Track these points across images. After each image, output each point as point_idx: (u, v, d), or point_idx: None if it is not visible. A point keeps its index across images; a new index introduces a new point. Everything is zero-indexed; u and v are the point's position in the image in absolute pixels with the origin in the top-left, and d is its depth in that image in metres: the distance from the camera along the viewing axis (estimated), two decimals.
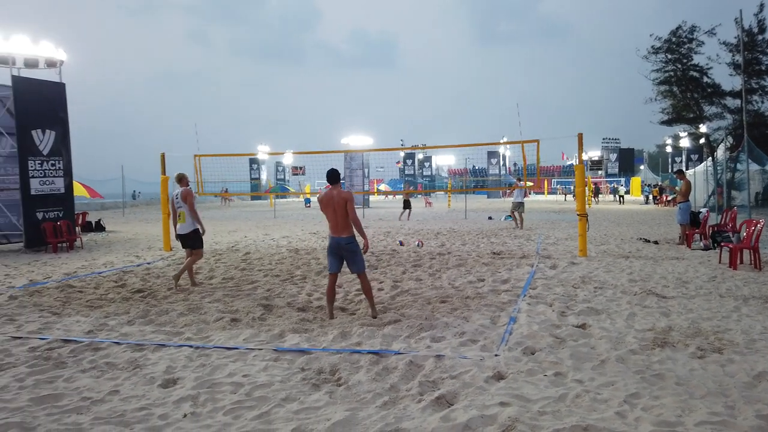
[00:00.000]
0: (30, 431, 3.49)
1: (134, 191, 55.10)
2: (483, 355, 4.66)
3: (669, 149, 64.02)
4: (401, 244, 13.66)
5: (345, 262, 6.37)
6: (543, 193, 64.53)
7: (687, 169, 54.04)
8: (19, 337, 5.66)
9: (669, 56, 32.49)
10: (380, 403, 3.79)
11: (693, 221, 12.84)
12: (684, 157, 55.77)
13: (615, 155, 64.55)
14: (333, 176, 6.39)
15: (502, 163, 59.15)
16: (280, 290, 8.02)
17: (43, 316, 6.67)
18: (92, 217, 21.03)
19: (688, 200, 12.77)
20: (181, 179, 8.68)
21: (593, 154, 62.62)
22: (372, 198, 49.07)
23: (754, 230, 8.97)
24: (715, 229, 12.00)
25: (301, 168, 60.04)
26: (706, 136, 32.77)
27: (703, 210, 13.26)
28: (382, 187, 58.66)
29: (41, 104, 13.45)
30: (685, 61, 32.15)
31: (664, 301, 6.67)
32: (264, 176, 65.27)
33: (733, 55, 30.43)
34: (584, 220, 10.76)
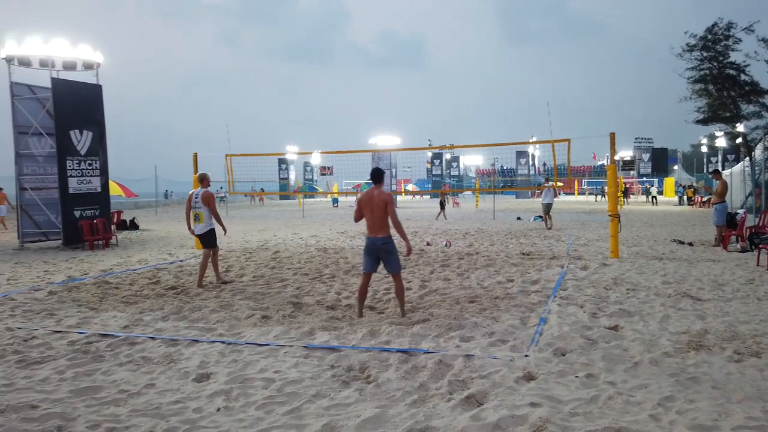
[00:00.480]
0: (70, 422, 3.60)
1: (166, 190, 56.26)
2: (513, 356, 4.64)
3: (704, 149, 62.58)
4: (428, 244, 13.65)
5: (381, 263, 6.31)
6: (573, 194, 63.68)
7: (723, 169, 52.74)
8: (59, 331, 5.84)
9: (704, 54, 31.74)
10: (410, 401, 3.81)
11: (729, 223, 12.53)
12: (720, 157, 54.45)
13: (648, 155, 63.25)
14: (376, 176, 6.29)
15: (531, 163, 58.53)
16: (310, 288, 8.10)
17: (81, 311, 6.86)
18: (126, 216, 21.52)
19: (725, 201, 12.46)
20: (203, 179, 8.67)
21: (625, 153, 61.51)
22: (399, 198, 49.06)
23: None
24: (753, 230, 11.68)
25: (329, 168, 60.46)
26: (744, 135, 31.86)
27: (740, 211, 12.93)
28: (410, 187, 58.64)
29: (79, 105, 13.83)
30: (721, 58, 31.35)
31: (699, 304, 6.53)
32: (293, 176, 65.91)
33: None
34: (616, 220, 10.59)
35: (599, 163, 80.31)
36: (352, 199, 56.74)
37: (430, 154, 61.16)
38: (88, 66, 14.61)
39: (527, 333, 5.35)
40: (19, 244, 13.96)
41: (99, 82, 14.59)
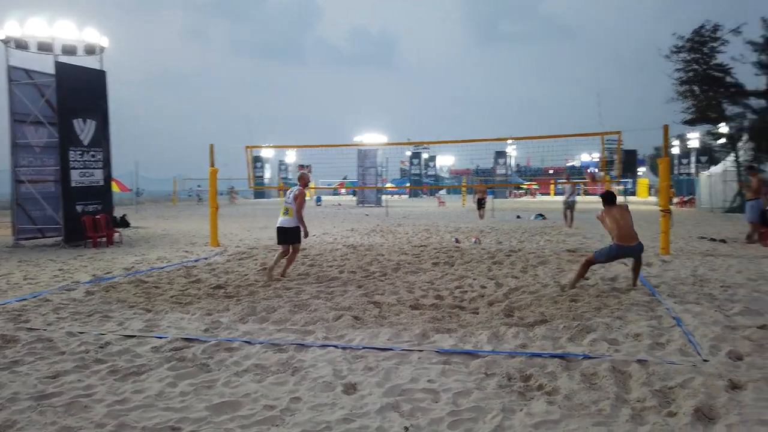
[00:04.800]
0: None
1: (138, 188, 54.41)
2: (692, 360, 4.15)
3: (676, 150, 63.89)
4: (457, 241, 13.15)
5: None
6: (549, 194, 64.27)
7: (696, 171, 53.94)
8: (132, 336, 5.11)
9: (691, 56, 32.16)
10: (625, 415, 3.27)
11: (762, 220, 12.39)
12: (693, 158, 55.63)
13: (617, 156, 64.17)
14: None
15: (508, 163, 58.77)
16: (373, 287, 7.48)
17: (137, 312, 6.11)
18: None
19: (760, 198, 12.32)
20: (300, 178, 8.78)
21: (596, 155, 62.26)
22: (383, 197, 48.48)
23: None
24: None
25: (307, 166, 59.38)
26: (731, 136, 32.44)
27: None
28: (387, 185, 58.19)
29: (83, 92, 12.83)
30: (707, 60, 31.82)
31: None
32: (268, 174, 64.70)
33: (759, 54, 30.15)
34: (668, 216, 10.29)
35: (570, 164, 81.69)
36: (338, 198, 56.04)
37: (408, 153, 60.86)
38: (90, 51, 13.58)
39: (672, 335, 4.87)
40: (14, 241, 12.86)
41: (103, 67, 13.58)
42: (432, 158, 66.73)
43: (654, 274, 8.13)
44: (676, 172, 60.06)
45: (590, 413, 3.32)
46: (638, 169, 74.76)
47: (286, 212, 8.40)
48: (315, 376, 4.00)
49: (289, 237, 8.39)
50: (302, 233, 8.46)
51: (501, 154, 56.74)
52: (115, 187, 22.45)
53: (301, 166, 61.39)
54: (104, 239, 13.15)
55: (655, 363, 4.08)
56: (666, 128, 10.12)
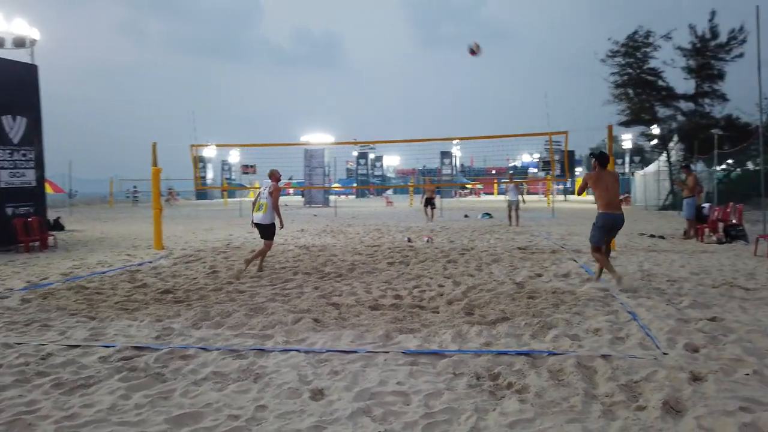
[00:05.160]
0: None
1: (71, 189, 51.91)
2: (652, 354, 4.23)
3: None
4: (410, 240, 13.14)
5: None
6: (493, 194, 65.63)
7: (629, 170, 56.27)
8: (77, 346, 4.78)
9: (626, 60, 33.51)
10: (597, 411, 3.27)
11: (697, 216, 12.99)
12: (628, 158, 58.00)
13: (558, 156, 66.28)
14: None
15: (453, 163, 59.59)
16: (330, 288, 7.34)
17: (79, 320, 5.73)
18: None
19: (695, 195, 12.91)
20: (272, 175, 9.17)
21: (536, 155, 64.07)
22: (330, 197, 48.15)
23: None
24: (726, 223, 12.16)
25: (252, 166, 58.22)
26: (662, 137, 33.98)
27: (706, 205, 13.45)
28: (334, 186, 57.82)
29: (12, 87, 12.05)
30: (640, 64, 33.23)
31: (753, 293, 6.48)
32: (210, 175, 63.09)
33: (687, 59, 31.72)
34: None
35: (511, 164, 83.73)
36: (284, 199, 55.18)
37: (355, 153, 60.73)
38: (19, 43, 12.79)
39: (630, 328, 4.97)
40: None
41: (34, 61, 12.82)
42: (379, 158, 66.86)
43: (604, 270, 8.33)
44: None
45: (562, 410, 3.31)
46: (576, 169, 77.37)
47: (260, 208, 8.77)
48: (279, 383, 3.83)
49: (262, 232, 8.87)
50: (277, 227, 8.94)
51: (446, 154, 57.47)
52: (48, 189, 21.26)
53: (245, 166, 60.28)
54: (37, 243, 12.41)
55: (618, 357, 4.14)
56: (610, 128, 10.44)
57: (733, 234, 11.62)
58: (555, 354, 4.27)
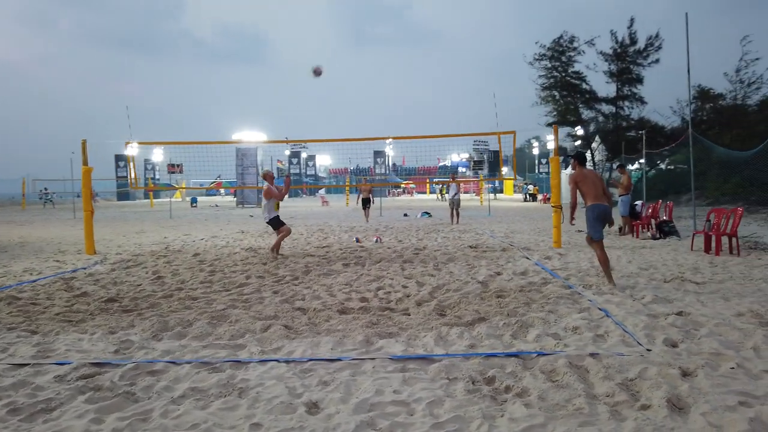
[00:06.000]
0: None
1: None
2: (637, 351, 4.28)
3: (536, 151, 68.81)
4: (358, 241, 12.97)
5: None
6: (425, 193, 66.53)
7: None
8: (24, 365, 4.30)
9: (552, 63, 34.80)
10: (604, 412, 3.24)
11: (631, 213, 13.59)
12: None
13: (485, 156, 68.01)
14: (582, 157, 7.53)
15: (386, 162, 59.77)
16: (291, 292, 7.06)
17: (19, 335, 5.18)
18: None
19: (629, 193, 13.48)
20: (265, 176, 10.57)
21: (465, 155, 65.55)
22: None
23: (730, 219, 9.57)
24: (659, 220, 12.77)
25: (178, 165, 55.87)
26: (586, 138, 35.48)
27: (639, 203, 14.09)
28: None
29: None
30: (566, 68, 34.61)
31: (704, 287, 6.78)
32: (132, 174, 60.17)
33: (609, 64, 33.31)
34: (559, 211, 10.88)
35: (441, 164, 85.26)
36: (214, 199, 53.41)
37: (287, 152, 59.72)
38: None
39: (608, 326, 5.02)
40: None
41: None
42: (311, 158, 66.08)
43: (558, 267, 8.52)
44: (536, 171, 64.81)
45: (570, 413, 3.26)
46: (502, 169, 79.67)
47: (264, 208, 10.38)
48: (268, 397, 3.57)
49: (271, 225, 10.43)
50: (279, 221, 10.33)
51: (380, 154, 57.56)
52: None
53: (171, 166, 57.96)
54: None
55: (606, 356, 4.16)
56: (556, 128, 10.69)
57: (666, 230, 12.22)
58: (544, 354, 4.24)
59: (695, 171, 12.90)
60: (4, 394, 3.69)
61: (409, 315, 5.79)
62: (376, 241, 12.71)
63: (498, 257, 9.76)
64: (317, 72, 10.41)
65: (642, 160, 32.23)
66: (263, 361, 4.28)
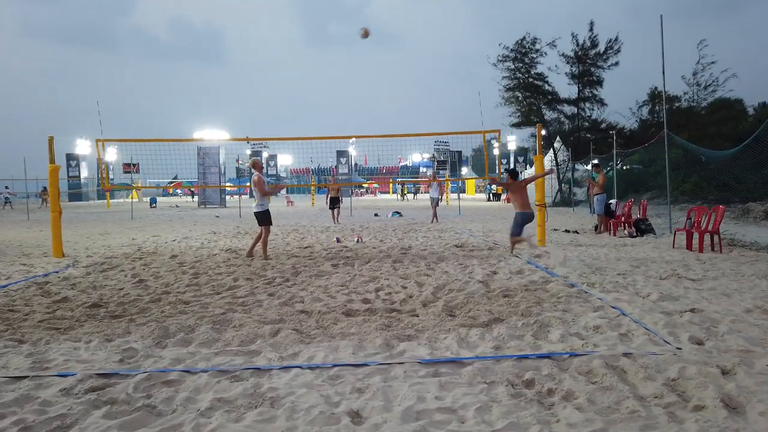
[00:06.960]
0: None
1: None
2: (668, 349, 4.24)
3: (496, 152, 69.73)
4: (338, 241, 12.74)
5: None
6: (388, 192, 66.54)
7: (515, 169, 59.43)
8: (23, 377, 3.94)
9: (515, 65, 35.26)
10: (661, 414, 3.16)
11: (606, 212, 13.81)
12: (512, 158, 61.15)
13: (446, 156, 68.52)
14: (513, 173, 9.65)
15: (350, 162, 59.45)
16: (287, 294, 6.80)
17: (6, 345, 4.79)
18: None
19: (604, 192, 13.69)
20: (254, 165, 10.15)
21: (426, 155, 65.85)
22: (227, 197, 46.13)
23: (711, 216, 9.78)
24: (634, 218, 13.00)
25: (134, 165, 54.14)
26: (548, 138, 36.05)
27: (613, 201, 14.34)
28: (227, 185, 55.42)
29: None
30: (528, 69, 35.12)
31: (701, 283, 6.86)
32: (85, 173, 58.03)
33: (570, 66, 33.99)
34: (543, 210, 10.92)
35: (402, 164, 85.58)
36: (174, 200, 51.92)
37: (248, 152, 58.60)
38: None
39: (627, 323, 4.99)
40: None
41: None
42: (273, 157, 65.16)
43: (551, 265, 8.51)
44: (497, 171, 65.66)
45: (626, 416, 3.17)
46: (462, 169, 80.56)
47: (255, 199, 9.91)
48: (305, 406, 3.35)
49: (258, 220, 9.80)
50: (269, 215, 9.85)
51: (343, 153, 57.22)
52: None
53: (127, 165, 56.18)
54: None
55: (639, 355, 4.10)
56: (540, 127, 10.73)
57: (643, 228, 12.46)
58: (577, 355, 4.15)
59: (651, 171, 13.19)
60: (8, 411, 3.36)
61: (418, 316, 5.63)
62: (358, 241, 12.51)
63: (487, 256, 9.71)
64: (365, 34, 10.31)
65: (612, 162, 33.17)
66: (286, 368, 4.05)
